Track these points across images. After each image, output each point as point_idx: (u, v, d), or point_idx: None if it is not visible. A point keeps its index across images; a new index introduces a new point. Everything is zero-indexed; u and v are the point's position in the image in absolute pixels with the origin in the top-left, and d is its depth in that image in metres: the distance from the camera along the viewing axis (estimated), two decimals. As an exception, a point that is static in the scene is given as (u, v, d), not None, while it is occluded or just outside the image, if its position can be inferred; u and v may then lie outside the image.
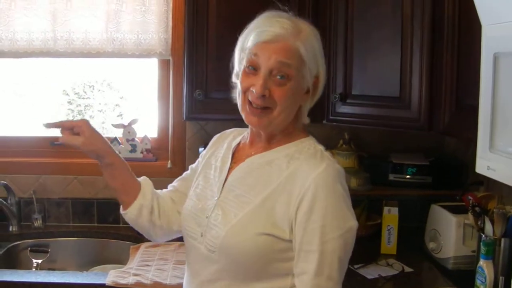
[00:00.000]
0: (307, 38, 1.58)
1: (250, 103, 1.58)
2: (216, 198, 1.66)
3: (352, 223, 1.54)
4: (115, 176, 1.77)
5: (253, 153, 1.67)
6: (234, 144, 1.76)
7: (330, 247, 1.49)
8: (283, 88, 1.55)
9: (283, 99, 1.56)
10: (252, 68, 1.57)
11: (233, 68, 1.69)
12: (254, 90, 1.55)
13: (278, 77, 1.54)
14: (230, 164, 1.71)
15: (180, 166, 3.10)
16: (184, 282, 1.76)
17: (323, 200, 1.50)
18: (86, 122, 1.70)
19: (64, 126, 1.69)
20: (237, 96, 1.64)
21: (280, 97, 1.55)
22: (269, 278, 1.55)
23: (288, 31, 1.55)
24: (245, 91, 1.59)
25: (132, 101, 3.55)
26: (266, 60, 1.54)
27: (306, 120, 1.68)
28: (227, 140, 1.81)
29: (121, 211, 1.81)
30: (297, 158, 1.59)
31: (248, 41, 1.59)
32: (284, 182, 1.55)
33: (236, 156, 1.73)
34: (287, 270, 1.55)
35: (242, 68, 1.61)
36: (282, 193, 1.54)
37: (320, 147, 1.64)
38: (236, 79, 1.66)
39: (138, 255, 2.68)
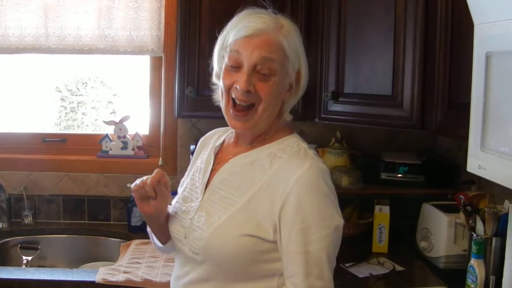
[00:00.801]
0: (289, 33, 1.56)
1: (234, 104, 1.55)
2: (199, 200, 1.65)
3: (337, 221, 1.52)
4: (159, 224, 1.74)
5: (237, 153, 1.65)
6: (217, 143, 1.75)
7: (316, 247, 1.48)
8: (268, 84, 1.53)
9: (268, 95, 1.54)
10: (235, 65, 1.54)
11: (212, 69, 1.67)
12: (238, 87, 1.52)
13: (262, 72, 1.52)
14: (213, 165, 1.70)
15: (171, 164, 3.09)
16: (171, 282, 1.75)
17: (308, 200, 1.48)
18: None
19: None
20: (220, 96, 1.61)
21: (265, 92, 1.53)
22: (255, 279, 1.54)
23: (269, 25, 1.53)
24: (228, 89, 1.56)
25: (125, 98, 3.53)
26: (249, 55, 1.51)
27: (288, 117, 1.66)
28: (211, 141, 1.80)
29: (158, 244, 1.80)
30: (279, 157, 1.57)
31: (228, 38, 1.56)
32: (267, 182, 1.54)
33: (220, 157, 1.71)
34: (272, 270, 1.54)
35: (223, 66, 1.58)
36: (265, 193, 1.53)
37: (304, 145, 1.61)
38: (217, 80, 1.64)
39: (129, 253, 2.67)
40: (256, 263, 1.53)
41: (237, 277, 1.54)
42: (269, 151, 1.60)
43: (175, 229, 1.69)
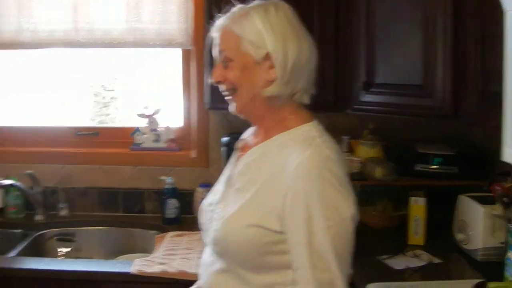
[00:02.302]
0: (246, 17, 1.57)
1: None
2: (221, 192, 1.69)
3: (346, 213, 1.47)
4: None
5: (255, 144, 1.68)
6: (242, 137, 1.81)
7: (320, 238, 1.44)
8: (228, 70, 1.60)
9: (234, 78, 1.60)
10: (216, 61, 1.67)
11: None
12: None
13: (223, 62, 1.61)
14: (237, 159, 1.74)
15: (203, 156, 3.10)
16: (200, 268, 1.78)
17: (308, 189, 1.46)
18: None
19: None
20: None
21: (230, 77, 1.61)
22: (268, 271, 1.54)
23: (229, 18, 1.60)
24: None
25: (158, 92, 3.55)
26: (215, 52, 1.65)
27: (305, 99, 1.63)
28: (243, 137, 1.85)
29: None
30: (287, 147, 1.56)
31: None
32: (274, 172, 1.54)
33: (243, 151, 1.74)
34: (284, 263, 1.52)
35: None
36: (271, 183, 1.53)
37: (315, 133, 1.57)
38: None
39: (164, 244, 2.69)
40: (266, 255, 1.52)
41: (250, 268, 1.55)
42: (280, 140, 1.60)
43: (202, 220, 1.74)
